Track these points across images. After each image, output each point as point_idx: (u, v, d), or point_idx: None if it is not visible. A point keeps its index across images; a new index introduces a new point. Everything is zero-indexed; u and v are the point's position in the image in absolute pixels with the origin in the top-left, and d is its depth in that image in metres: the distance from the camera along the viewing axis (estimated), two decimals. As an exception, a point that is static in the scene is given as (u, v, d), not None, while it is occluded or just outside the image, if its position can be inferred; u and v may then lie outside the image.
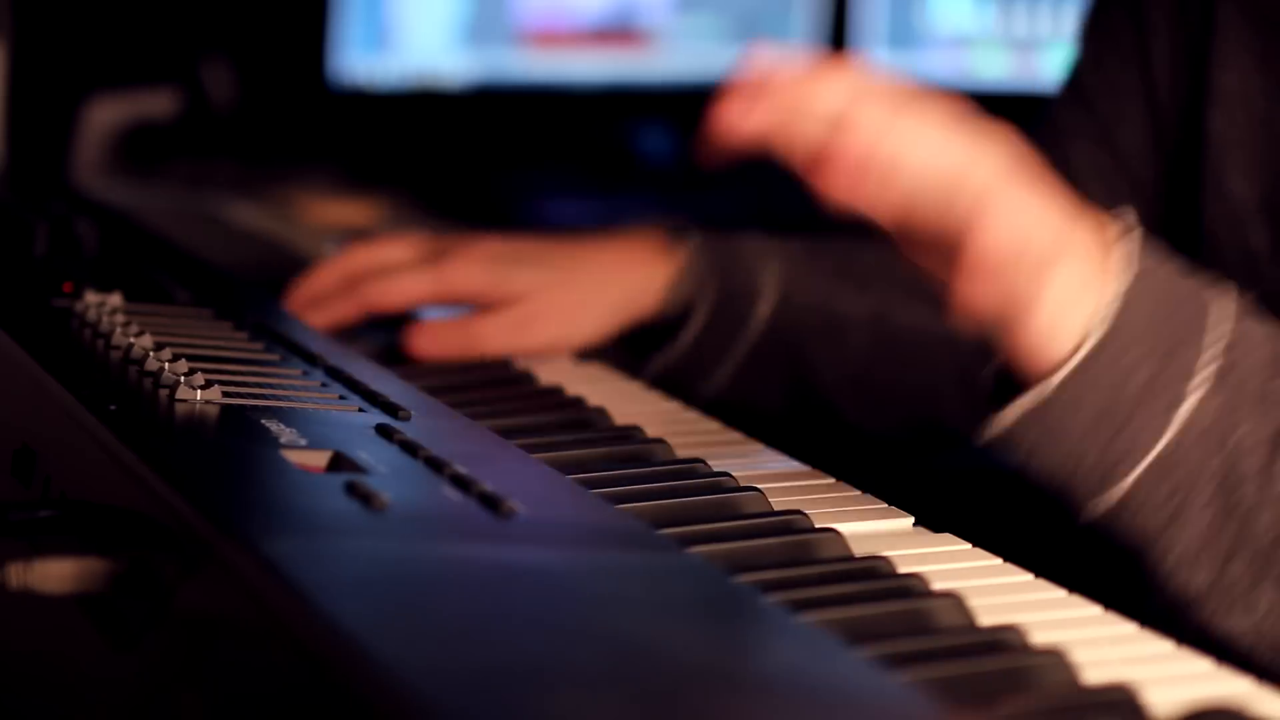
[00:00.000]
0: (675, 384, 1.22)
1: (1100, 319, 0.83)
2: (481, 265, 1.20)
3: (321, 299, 1.20)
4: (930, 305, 1.27)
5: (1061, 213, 0.85)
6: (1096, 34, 1.25)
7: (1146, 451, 0.82)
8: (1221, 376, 0.83)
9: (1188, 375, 0.83)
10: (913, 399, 1.29)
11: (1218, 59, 1.14)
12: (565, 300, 1.20)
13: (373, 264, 1.21)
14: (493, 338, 1.18)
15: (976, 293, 0.83)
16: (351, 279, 1.21)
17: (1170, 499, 0.82)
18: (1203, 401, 0.83)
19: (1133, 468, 0.82)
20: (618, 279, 1.22)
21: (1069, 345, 0.83)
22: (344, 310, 1.19)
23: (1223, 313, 0.85)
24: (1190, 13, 1.16)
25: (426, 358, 1.15)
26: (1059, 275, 0.83)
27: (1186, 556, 0.78)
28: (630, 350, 1.24)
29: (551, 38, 2.54)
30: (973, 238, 0.83)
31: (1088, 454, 0.82)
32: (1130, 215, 0.87)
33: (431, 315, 1.20)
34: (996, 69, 2.69)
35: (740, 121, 0.84)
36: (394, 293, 1.19)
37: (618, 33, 2.57)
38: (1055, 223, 0.84)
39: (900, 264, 1.30)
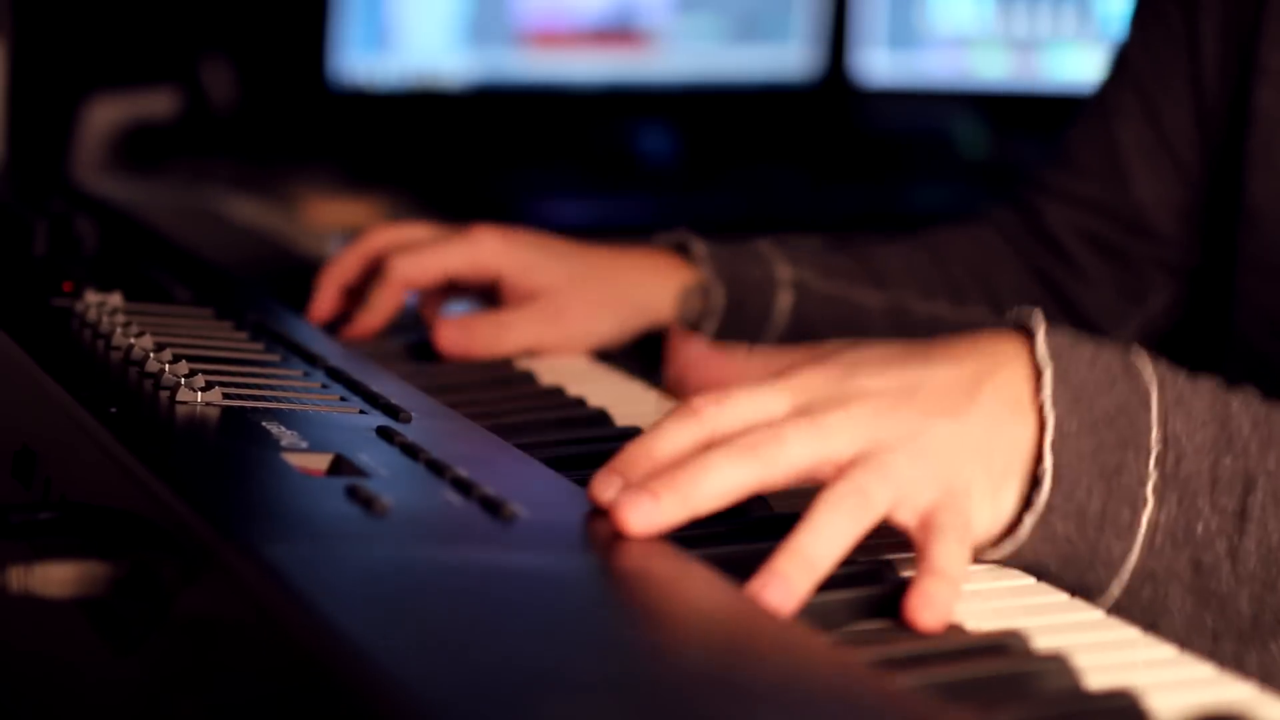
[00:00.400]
0: None
1: (1043, 470, 0.82)
2: (511, 244, 1.20)
3: (350, 281, 1.20)
4: (947, 301, 1.28)
5: (971, 402, 0.83)
6: (1146, 14, 1.25)
7: (1118, 569, 0.83)
8: (1168, 478, 0.83)
9: (1140, 483, 0.83)
10: None
11: (1268, 38, 1.14)
12: (589, 297, 1.20)
13: (395, 244, 1.20)
14: (522, 331, 1.18)
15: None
16: (376, 260, 1.20)
17: (1152, 601, 0.83)
18: (1156, 507, 0.83)
19: (1108, 584, 0.83)
20: (638, 282, 1.23)
21: (1019, 500, 0.83)
22: (387, 299, 1.17)
23: (1151, 402, 0.84)
24: None
25: (456, 352, 1.15)
26: (994, 451, 0.82)
27: (1176, 640, 0.78)
28: (646, 360, 1.25)
29: (551, 38, 2.54)
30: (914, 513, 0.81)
31: (1066, 579, 0.83)
32: (1033, 320, 0.85)
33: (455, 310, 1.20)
34: (996, 69, 2.69)
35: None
36: (430, 264, 1.18)
37: (618, 33, 2.57)
38: (979, 429, 0.82)
39: (917, 260, 1.31)
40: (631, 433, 0.97)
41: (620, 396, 1.07)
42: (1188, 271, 1.27)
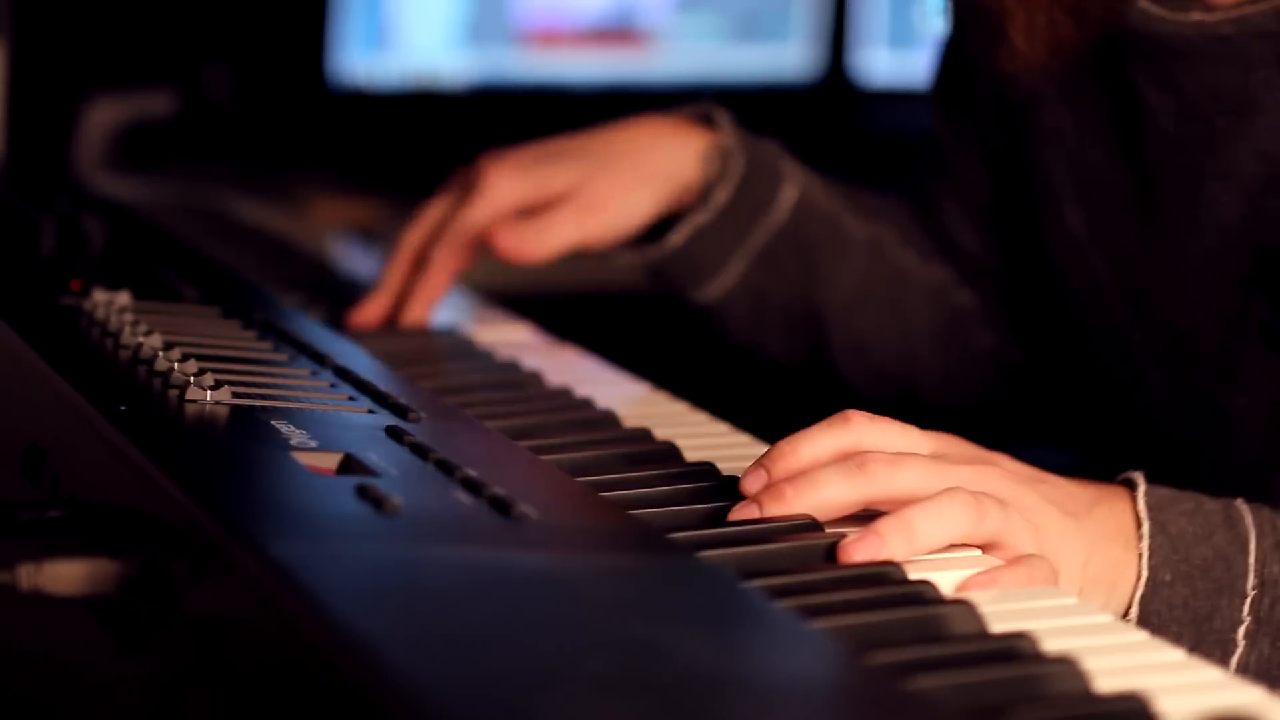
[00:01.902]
0: (690, 272, 1.25)
1: (1130, 619, 0.86)
2: (519, 175, 1.21)
3: (421, 255, 1.22)
4: (915, 252, 1.30)
5: (1086, 513, 0.87)
6: (938, 94, 1.30)
7: None
8: (1261, 620, 0.87)
9: (1232, 627, 0.87)
10: (892, 349, 1.30)
11: (1037, 101, 1.16)
12: (615, 183, 1.21)
13: (439, 219, 1.22)
14: (564, 232, 1.20)
15: None
16: (435, 231, 1.22)
17: None
18: (1247, 650, 0.87)
19: None
20: (656, 152, 1.24)
21: None
22: (433, 286, 1.20)
23: (1250, 548, 0.88)
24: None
25: (512, 258, 1.18)
26: (1093, 558, 0.87)
27: None
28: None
29: (551, 38, 2.54)
30: None
31: None
32: (1134, 477, 0.90)
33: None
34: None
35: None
36: (460, 244, 1.20)
37: (617, 33, 2.57)
38: (1087, 535, 0.87)
39: (894, 209, 1.32)
40: (640, 434, 0.97)
41: (627, 398, 1.07)
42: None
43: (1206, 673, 0.72)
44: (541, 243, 1.19)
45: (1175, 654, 0.74)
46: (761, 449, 0.97)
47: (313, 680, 0.61)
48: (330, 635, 0.61)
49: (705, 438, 0.99)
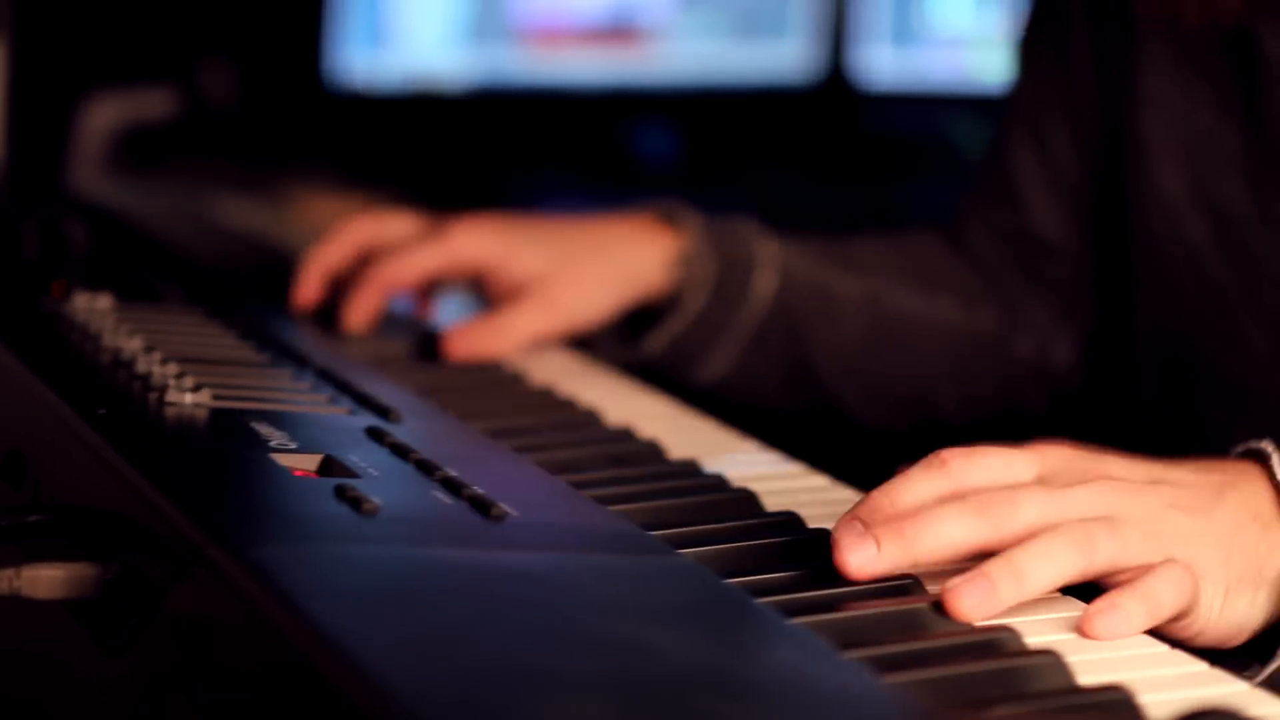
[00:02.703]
0: (679, 365, 1.24)
1: None
2: (490, 235, 1.21)
3: (333, 271, 1.21)
4: (919, 292, 1.29)
5: (1215, 504, 0.83)
6: (1026, 55, 1.29)
7: None
8: None
9: None
10: (907, 387, 1.30)
11: (1140, 65, 1.16)
12: (577, 277, 1.21)
13: (378, 237, 1.22)
14: (523, 327, 1.19)
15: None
16: (360, 250, 1.21)
17: None
18: None
19: None
20: (623, 254, 1.24)
21: (1247, 616, 0.83)
22: (369, 300, 1.19)
23: None
24: (1108, 25, 1.20)
25: (463, 358, 1.16)
26: (1234, 551, 0.83)
27: None
28: (630, 333, 1.25)
29: (551, 38, 2.54)
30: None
31: None
32: (1265, 446, 0.86)
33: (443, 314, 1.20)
34: (996, 69, 2.68)
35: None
36: (409, 269, 1.20)
37: (617, 32, 2.57)
38: (1221, 528, 0.83)
39: (888, 252, 1.32)
40: (623, 433, 0.97)
41: (610, 395, 1.07)
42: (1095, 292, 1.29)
43: (1190, 665, 0.72)
44: (501, 338, 1.18)
45: (1159, 647, 0.73)
46: (745, 445, 0.98)
47: (292, 681, 0.60)
48: (309, 636, 0.60)
49: (688, 435, 1.00)
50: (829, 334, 1.28)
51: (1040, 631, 0.73)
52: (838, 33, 2.65)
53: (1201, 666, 0.72)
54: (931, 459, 0.81)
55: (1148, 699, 0.67)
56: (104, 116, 2.24)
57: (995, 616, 0.74)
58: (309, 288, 1.21)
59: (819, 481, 0.93)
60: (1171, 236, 1.16)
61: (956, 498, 0.79)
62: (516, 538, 0.74)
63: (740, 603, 0.71)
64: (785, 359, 1.28)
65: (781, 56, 2.63)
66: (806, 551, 0.80)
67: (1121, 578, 0.78)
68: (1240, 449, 0.87)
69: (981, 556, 0.77)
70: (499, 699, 0.57)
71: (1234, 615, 0.82)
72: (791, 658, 0.67)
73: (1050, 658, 0.70)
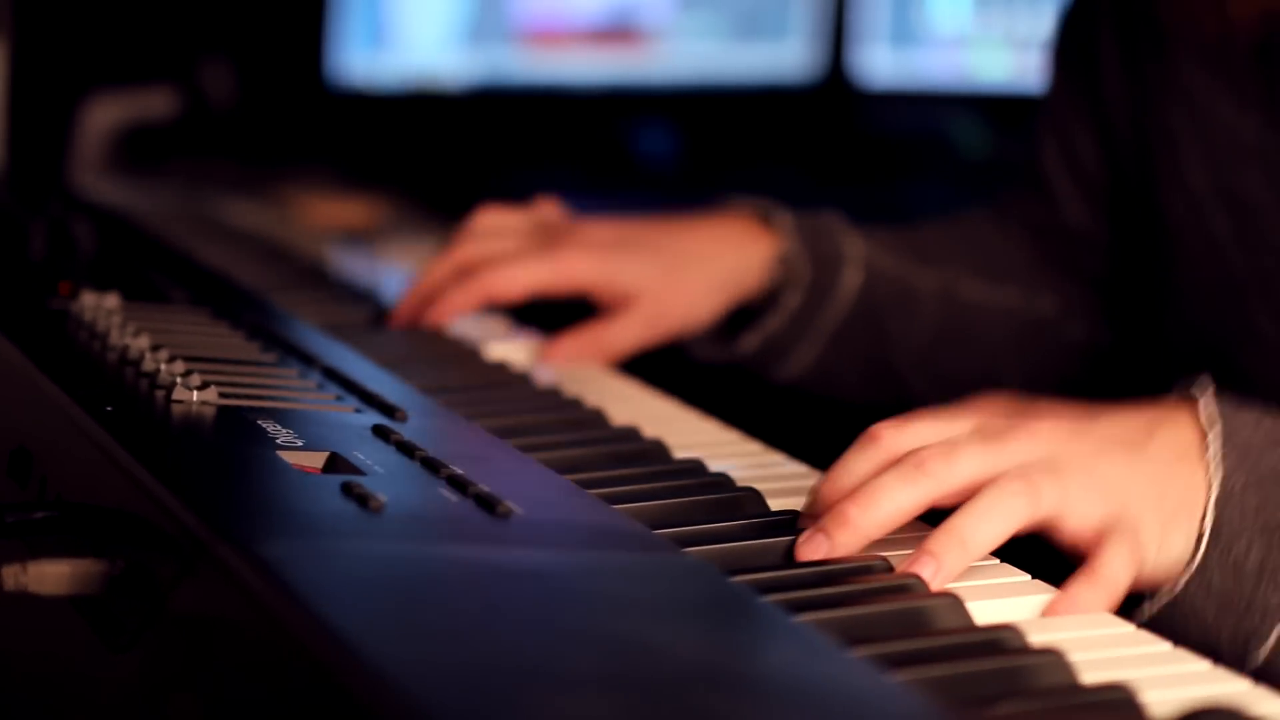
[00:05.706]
0: (768, 362, 1.26)
1: (1205, 526, 0.84)
2: (595, 256, 1.22)
3: (438, 293, 1.22)
4: (986, 281, 1.32)
5: (1144, 445, 0.84)
6: (1056, 56, 1.32)
7: (1273, 626, 0.84)
8: None
9: None
10: (975, 375, 1.32)
11: (1173, 62, 1.18)
12: (679, 288, 1.23)
13: (485, 256, 1.23)
14: (629, 338, 1.22)
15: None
16: (465, 271, 1.22)
17: None
18: None
19: (1262, 642, 0.84)
20: (721, 259, 1.26)
21: (1183, 551, 0.84)
22: (463, 300, 1.21)
23: None
24: (1138, 27, 1.22)
25: (580, 360, 1.19)
26: (1166, 490, 0.84)
27: None
28: (724, 332, 1.28)
29: (551, 38, 2.54)
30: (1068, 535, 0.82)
31: (1220, 637, 0.84)
32: (1197, 385, 0.88)
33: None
34: (996, 69, 2.69)
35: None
36: (515, 282, 1.21)
37: (618, 33, 2.57)
38: (1152, 467, 0.84)
39: (956, 242, 1.34)
40: (628, 432, 0.97)
41: (616, 397, 1.07)
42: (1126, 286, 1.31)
43: (1193, 664, 0.72)
44: (606, 349, 1.21)
45: (1161, 645, 0.74)
46: (751, 445, 0.98)
47: (299, 678, 0.61)
48: (316, 633, 0.61)
49: (693, 435, 1.00)
50: (907, 326, 1.30)
51: (1043, 630, 0.73)
52: (837, 33, 2.65)
53: (1204, 665, 0.72)
54: (864, 436, 0.83)
55: (1150, 697, 0.67)
56: (105, 117, 2.24)
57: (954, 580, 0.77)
58: (408, 310, 1.22)
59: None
60: (1195, 230, 1.17)
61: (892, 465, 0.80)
62: (522, 535, 0.74)
63: (745, 600, 0.71)
64: (865, 353, 1.30)
65: (781, 56, 2.63)
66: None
67: (1061, 536, 0.80)
68: (1176, 392, 0.88)
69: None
70: (505, 696, 0.57)
71: (1172, 552, 0.83)
72: (796, 655, 0.67)
73: (1053, 656, 0.70)
